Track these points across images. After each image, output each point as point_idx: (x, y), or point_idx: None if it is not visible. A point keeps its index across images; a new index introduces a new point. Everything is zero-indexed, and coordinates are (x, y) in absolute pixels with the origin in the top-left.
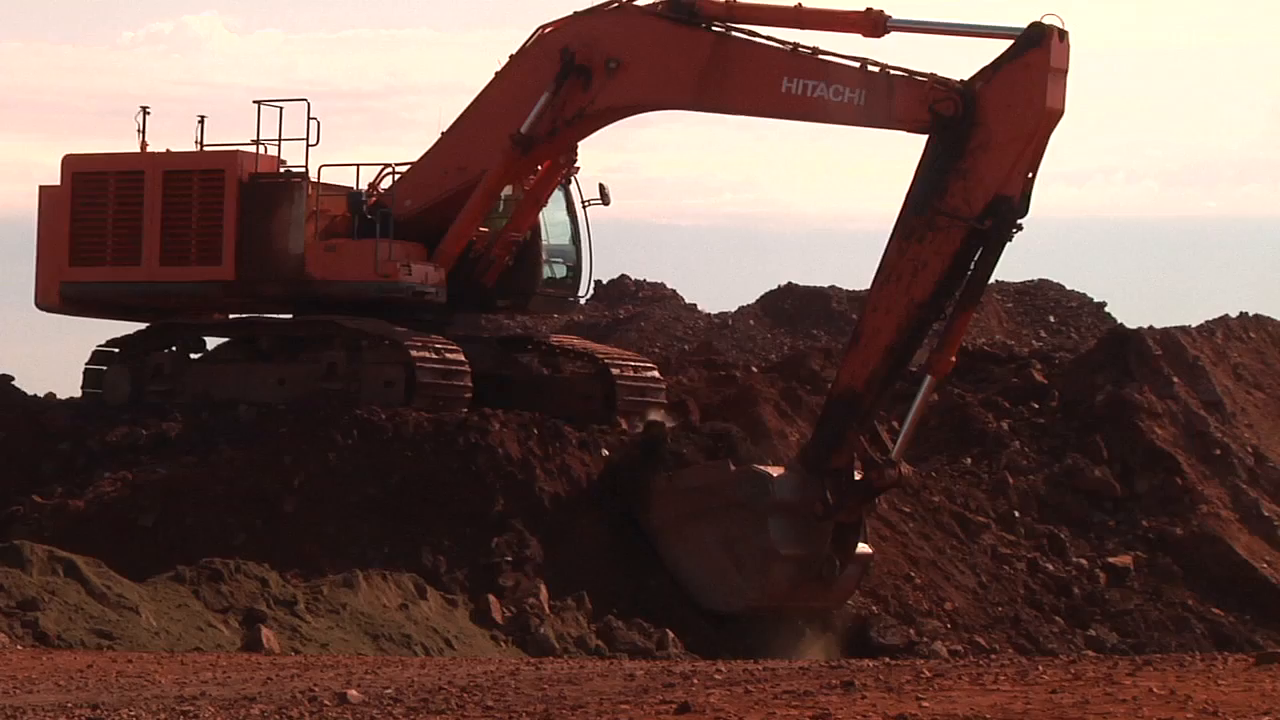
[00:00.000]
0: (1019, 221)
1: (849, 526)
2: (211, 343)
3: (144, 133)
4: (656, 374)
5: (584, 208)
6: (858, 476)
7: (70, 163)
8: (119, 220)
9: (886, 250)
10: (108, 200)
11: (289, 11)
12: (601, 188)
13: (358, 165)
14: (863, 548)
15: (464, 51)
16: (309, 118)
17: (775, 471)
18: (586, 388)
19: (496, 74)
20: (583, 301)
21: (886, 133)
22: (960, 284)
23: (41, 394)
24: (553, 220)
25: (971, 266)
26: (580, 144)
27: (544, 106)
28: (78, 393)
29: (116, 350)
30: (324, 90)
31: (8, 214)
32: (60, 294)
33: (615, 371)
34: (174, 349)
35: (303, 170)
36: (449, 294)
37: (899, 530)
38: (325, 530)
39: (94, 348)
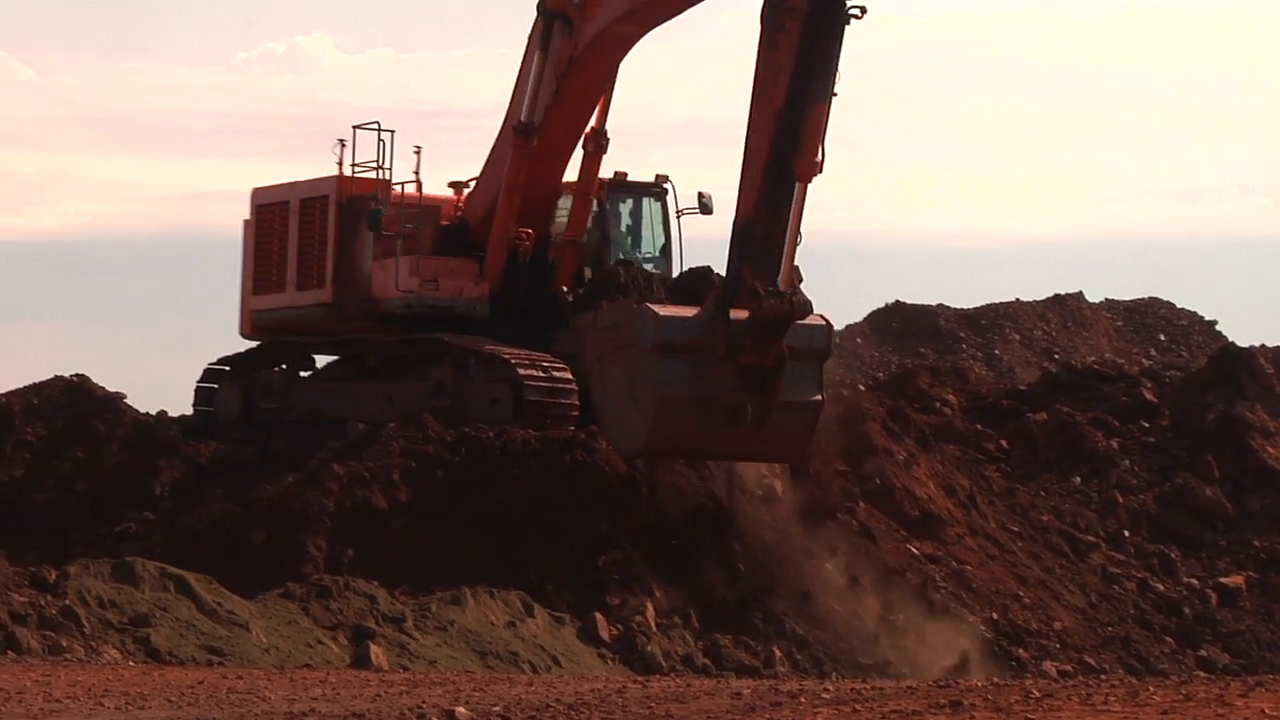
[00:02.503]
0: (857, 5)
1: (766, 370)
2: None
3: (342, 164)
4: None
5: (678, 217)
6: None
7: (253, 195)
8: (284, 248)
9: (755, 70)
10: (273, 229)
11: (400, 31)
12: (701, 197)
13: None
14: (807, 395)
15: None
16: (379, 140)
17: (664, 310)
18: None
19: None
20: None
21: (995, 151)
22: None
23: (153, 411)
24: (641, 230)
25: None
26: (677, 162)
27: (536, 79)
28: (189, 410)
29: (227, 368)
30: (436, 109)
31: (121, 233)
32: (251, 322)
33: None
34: (284, 367)
35: (374, 193)
36: (509, 305)
37: (1007, 549)
38: (433, 547)
39: (205, 366)
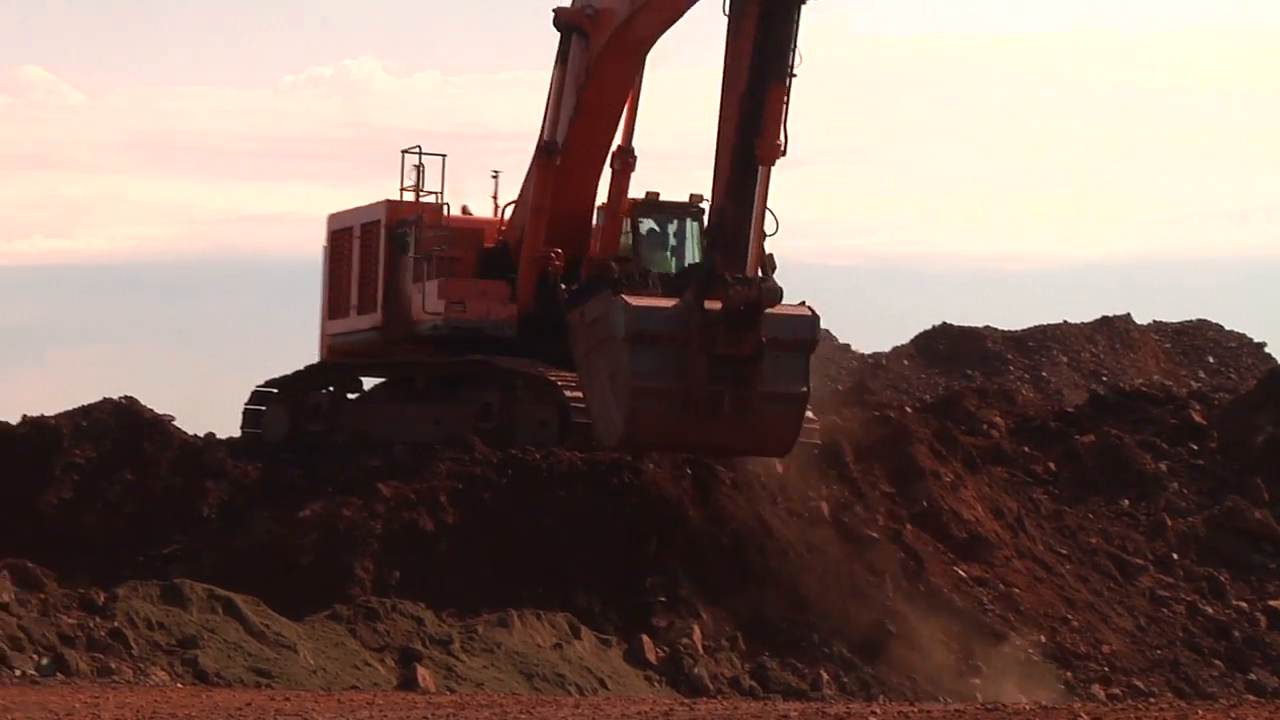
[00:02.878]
0: None
1: (742, 360)
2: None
3: (413, 190)
4: (810, 414)
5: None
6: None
7: (328, 221)
8: (349, 273)
9: (723, 59)
10: (343, 254)
11: (447, 54)
12: None
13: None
14: (792, 386)
15: None
16: (416, 165)
17: (637, 301)
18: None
19: None
20: None
21: (1043, 173)
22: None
23: (201, 434)
24: (683, 249)
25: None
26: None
27: (557, 95)
28: (237, 432)
29: (275, 390)
30: (482, 132)
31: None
32: (328, 346)
33: None
34: (331, 389)
35: (415, 217)
36: (540, 326)
37: (1055, 572)
38: (480, 569)
39: (253, 388)
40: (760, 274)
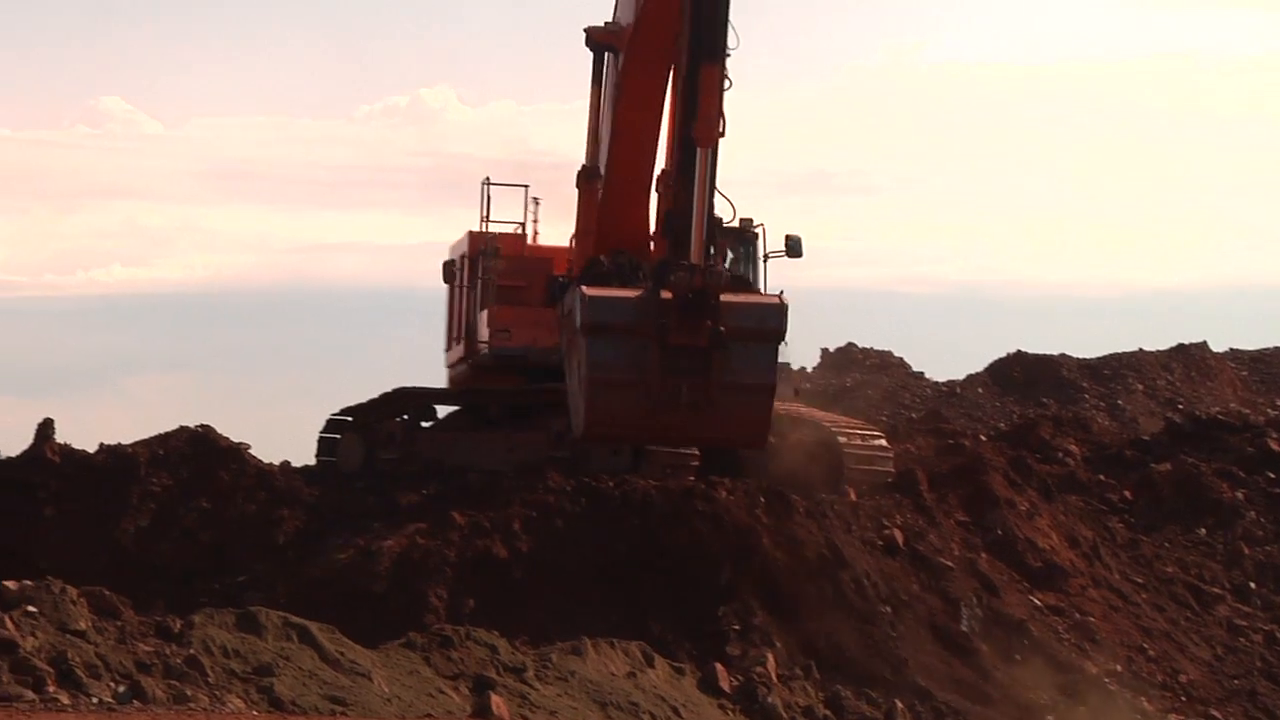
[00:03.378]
0: None
1: (698, 350)
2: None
3: (536, 221)
4: (884, 442)
5: (765, 261)
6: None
7: (450, 250)
8: (451, 304)
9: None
10: (451, 285)
11: (522, 83)
12: (789, 239)
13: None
14: (758, 376)
15: None
16: (485, 196)
17: (594, 291)
18: (813, 456)
19: None
20: None
21: (1118, 200)
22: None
23: (276, 462)
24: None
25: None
26: (797, 212)
27: (594, 117)
28: (312, 460)
29: (350, 419)
30: (555, 159)
31: (245, 285)
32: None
33: (842, 440)
34: (405, 417)
35: (492, 247)
36: None
37: (1131, 601)
38: (553, 597)
39: (328, 416)
40: (714, 260)
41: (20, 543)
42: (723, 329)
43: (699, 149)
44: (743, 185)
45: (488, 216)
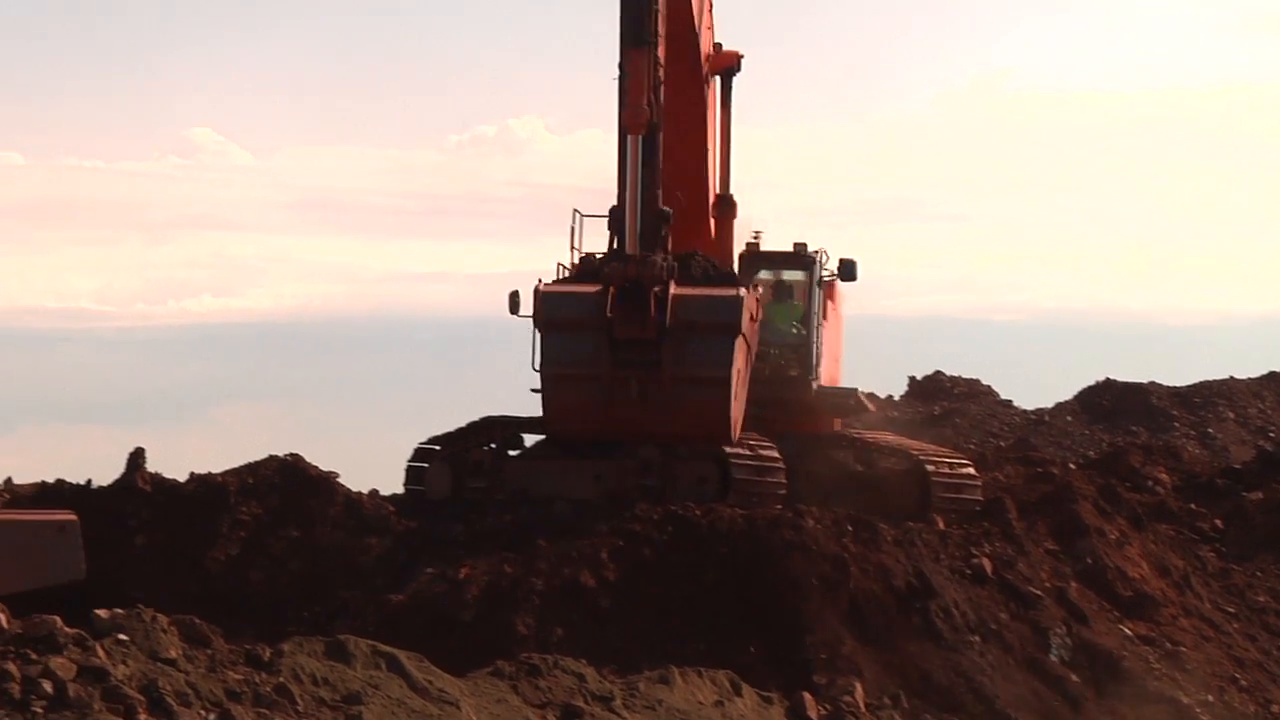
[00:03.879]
0: None
1: (649, 343)
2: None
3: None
4: (972, 470)
5: (819, 285)
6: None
7: None
8: None
9: None
10: None
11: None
12: (843, 264)
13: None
14: (713, 369)
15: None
16: (575, 225)
17: (548, 287)
18: (901, 484)
19: None
20: (814, 387)
21: (1207, 227)
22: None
23: (365, 490)
24: (805, 297)
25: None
26: (877, 239)
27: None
28: (400, 489)
29: (437, 447)
30: None
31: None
32: None
33: (930, 468)
34: (493, 445)
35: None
36: None
37: (1223, 631)
38: (641, 626)
39: (415, 444)
40: (658, 253)
41: (112, 571)
42: (670, 321)
43: (629, 136)
44: (830, 213)
45: (577, 246)
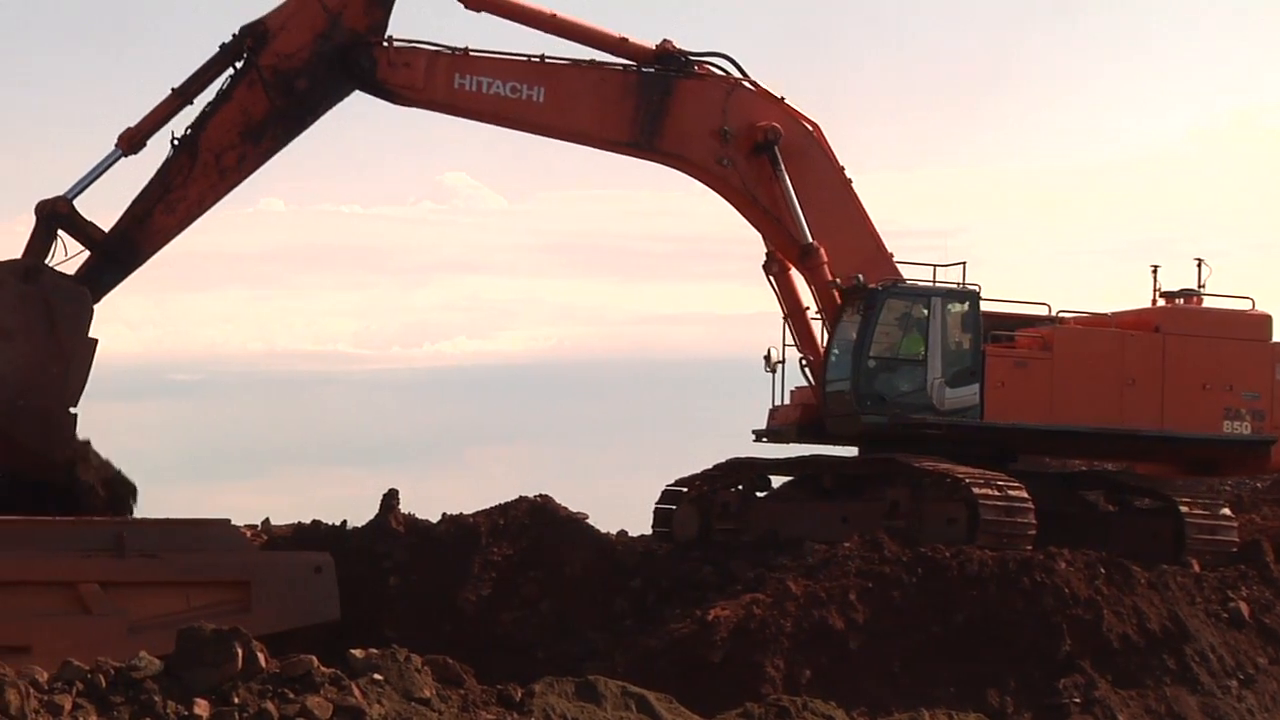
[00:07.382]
0: None
1: None
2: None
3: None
4: (1228, 512)
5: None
6: None
7: None
8: None
9: None
10: None
11: (861, 153)
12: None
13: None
14: None
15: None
16: None
17: None
18: (1155, 525)
19: None
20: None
21: None
22: None
23: (614, 532)
24: (844, 335)
25: None
26: (1125, 276)
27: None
28: (648, 530)
29: (685, 489)
30: (897, 228)
31: (585, 356)
32: None
33: (1184, 509)
34: (740, 487)
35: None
36: (810, 428)
37: None
38: (891, 668)
39: (664, 487)
40: None
41: (367, 611)
42: None
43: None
44: (1107, 255)
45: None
